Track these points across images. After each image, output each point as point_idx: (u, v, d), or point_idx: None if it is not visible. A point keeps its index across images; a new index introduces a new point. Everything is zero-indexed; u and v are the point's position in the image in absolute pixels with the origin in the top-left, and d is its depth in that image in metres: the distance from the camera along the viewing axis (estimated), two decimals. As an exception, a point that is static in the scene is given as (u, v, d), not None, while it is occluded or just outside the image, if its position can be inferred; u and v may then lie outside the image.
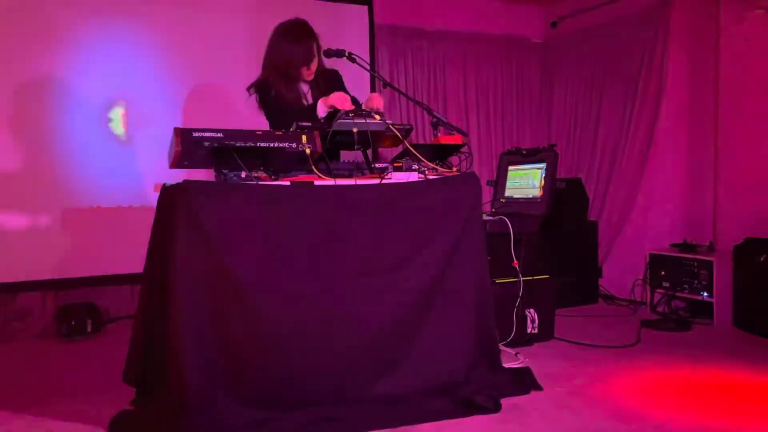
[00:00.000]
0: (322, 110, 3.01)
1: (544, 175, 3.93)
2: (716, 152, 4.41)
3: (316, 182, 2.64)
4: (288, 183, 2.60)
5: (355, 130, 2.77)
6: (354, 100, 3.20)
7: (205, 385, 2.39)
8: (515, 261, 3.55)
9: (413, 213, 2.75)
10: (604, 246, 4.99)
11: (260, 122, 3.30)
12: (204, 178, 2.62)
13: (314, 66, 3.23)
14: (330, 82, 3.34)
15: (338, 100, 2.96)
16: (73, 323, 3.92)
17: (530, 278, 3.65)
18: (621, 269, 4.91)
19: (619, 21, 4.99)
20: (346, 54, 3.13)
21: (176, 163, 2.56)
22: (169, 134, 2.51)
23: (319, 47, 3.21)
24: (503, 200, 4.21)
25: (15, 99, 3.96)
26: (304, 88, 3.30)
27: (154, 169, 4.23)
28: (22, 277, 3.98)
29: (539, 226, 3.80)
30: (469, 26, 5.47)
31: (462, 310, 2.83)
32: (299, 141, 2.62)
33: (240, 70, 4.43)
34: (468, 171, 3.00)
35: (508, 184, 4.25)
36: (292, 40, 3.15)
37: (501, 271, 3.58)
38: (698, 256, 4.16)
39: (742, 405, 2.68)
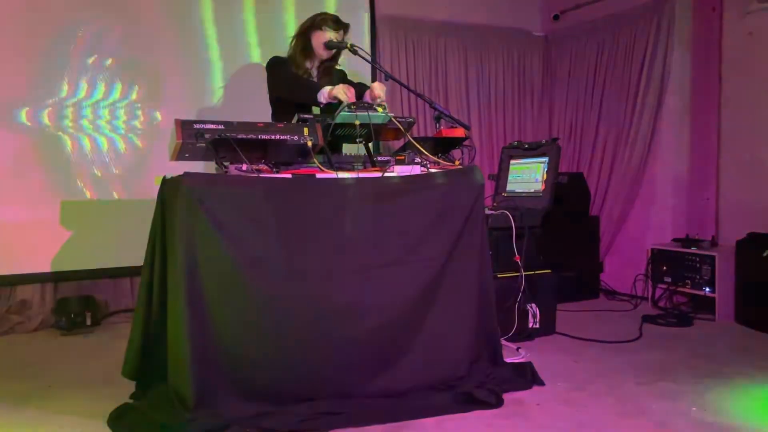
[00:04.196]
0: (323, 98, 3.01)
1: (546, 170, 3.91)
2: (719, 146, 4.39)
3: (318, 175, 2.61)
4: (289, 176, 2.58)
5: (357, 122, 2.75)
6: (361, 87, 3.29)
7: (205, 379, 2.37)
8: (517, 255, 3.53)
9: (415, 206, 2.72)
10: (605, 241, 4.98)
11: (262, 117, 3.29)
12: (205, 171, 2.60)
13: (340, 34, 3.32)
14: (335, 79, 3.40)
15: (342, 92, 2.95)
16: (72, 316, 3.90)
17: (532, 273, 3.63)
18: (622, 264, 4.90)
19: (622, 14, 4.96)
20: (348, 45, 3.12)
21: (177, 155, 2.54)
22: (171, 126, 2.50)
23: (345, 36, 3.36)
24: (505, 194, 4.19)
25: (12, 92, 3.93)
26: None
27: (154, 161, 4.22)
28: (20, 270, 3.96)
29: (541, 220, 3.78)
30: (470, 18, 5.43)
31: (464, 304, 2.81)
32: (301, 133, 2.60)
33: (241, 62, 4.45)
34: (470, 164, 2.98)
35: (510, 178, 4.23)
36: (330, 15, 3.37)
37: (502, 266, 3.56)
38: (700, 251, 4.14)
39: (744, 401, 2.67)
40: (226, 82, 4.42)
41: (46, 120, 4.00)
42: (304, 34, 3.35)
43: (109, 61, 4.14)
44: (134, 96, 4.21)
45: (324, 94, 3.03)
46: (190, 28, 4.34)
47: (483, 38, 5.50)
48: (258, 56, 4.45)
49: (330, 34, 3.29)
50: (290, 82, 3.27)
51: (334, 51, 3.35)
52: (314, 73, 3.42)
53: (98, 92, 4.13)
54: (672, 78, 4.60)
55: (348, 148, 3.36)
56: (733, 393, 2.76)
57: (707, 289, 4.08)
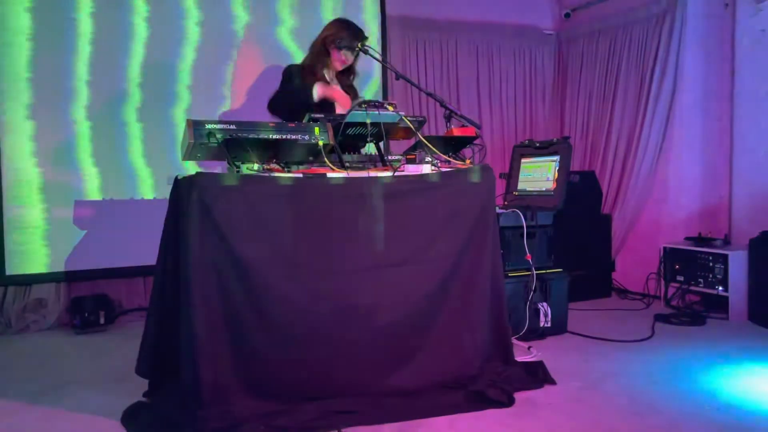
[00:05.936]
0: (317, 95, 3.02)
1: (557, 168, 3.89)
2: (732, 144, 4.36)
3: (329, 174, 2.62)
4: (301, 175, 2.59)
5: (368, 122, 2.75)
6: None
7: (218, 377, 2.39)
8: (528, 254, 3.52)
9: (426, 206, 2.73)
10: (617, 239, 4.95)
11: (272, 117, 3.31)
12: (217, 171, 2.62)
13: (349, 58, 3.33)
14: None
15: (340, 96, 2.96)
16: (86, 315, 3.93)
17: (543, 272, 3.63)
18: (635, 263, 4.88)
19: (634, 11, 4.93)
20: (359, 45, 3.12)
21: (189, 155, 2.56)
22: (182, 126, 2.51)
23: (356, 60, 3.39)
24: (516, 193, 4.18)
25: (30, 93, 3.97)
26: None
27: (167, 161, 4.24)
28: (36, 269, 4.01)
29: (552, 219, 3.77)
30: (480, 17, 5.42)
31: (475, 303, 2.81)
32: (312, 133, 2.61)
33: (251, 63, 4.46)
34: (481, 163, 2.98)
35: (521, 176, 4.22)
36: (352, 28, 3.31)
37: (514, 265, 3.56)
38: (713, 250, 4.11)
39: (758, 401, 2.65)
40: (238, 82, 4.44)
41: (58, 120, 4.03)
42: (324, 47, 3.33)
43: (121, 61, 4.17)
44: (146, 96, 4.23)
45: (318, 91, 3.04)
46: (197, 30, 4.36)
47: (494, 36, 5.48)
48: (266, 57, 4.47)
49: (346, 54, 3.31)
50: (287, 92, 3.26)
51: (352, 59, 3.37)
52: (333, 83, 3.40)
53: (111, 92, 4.15)
54: (685, 75, 4.57)
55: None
56: (746, 392, 2.74)
57: (720, 288, 4.06)
